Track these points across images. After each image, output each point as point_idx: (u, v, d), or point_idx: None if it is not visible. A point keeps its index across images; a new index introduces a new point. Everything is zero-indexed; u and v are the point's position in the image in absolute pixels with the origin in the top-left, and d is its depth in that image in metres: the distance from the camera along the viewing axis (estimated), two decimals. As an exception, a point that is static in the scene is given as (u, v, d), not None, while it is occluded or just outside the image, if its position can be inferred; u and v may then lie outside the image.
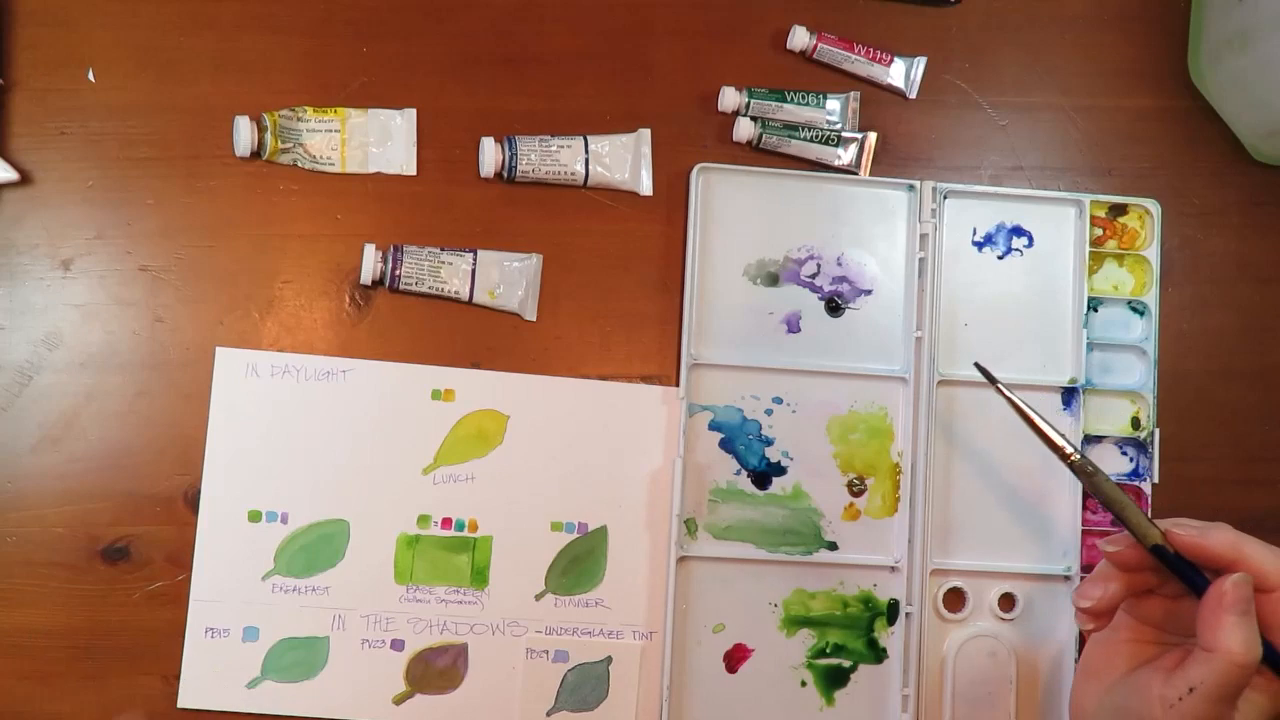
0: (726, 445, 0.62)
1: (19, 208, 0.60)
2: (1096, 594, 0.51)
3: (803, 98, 0.64)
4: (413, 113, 0.62)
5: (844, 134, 0.64)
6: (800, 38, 0.64)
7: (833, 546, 0.63)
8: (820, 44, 0.64)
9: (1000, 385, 0.55)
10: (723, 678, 0.61)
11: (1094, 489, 0.52)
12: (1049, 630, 0.63)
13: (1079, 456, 0.52)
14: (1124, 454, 0.65)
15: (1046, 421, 0.53)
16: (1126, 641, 0.52)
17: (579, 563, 0.61)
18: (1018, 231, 0.65)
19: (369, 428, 0.61)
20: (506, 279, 0.61)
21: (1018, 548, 0.63)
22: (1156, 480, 0.64)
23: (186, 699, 0.59)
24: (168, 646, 0.59)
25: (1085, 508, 0.63)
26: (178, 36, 0.62)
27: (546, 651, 0.61)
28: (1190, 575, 0.49)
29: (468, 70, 0.63)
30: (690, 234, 0.62)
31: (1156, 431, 0.64)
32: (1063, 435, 0.53)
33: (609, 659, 0.61)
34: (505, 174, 0.62)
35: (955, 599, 0.63)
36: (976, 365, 0.58)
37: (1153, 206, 0.65)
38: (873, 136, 0.64)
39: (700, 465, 0.62)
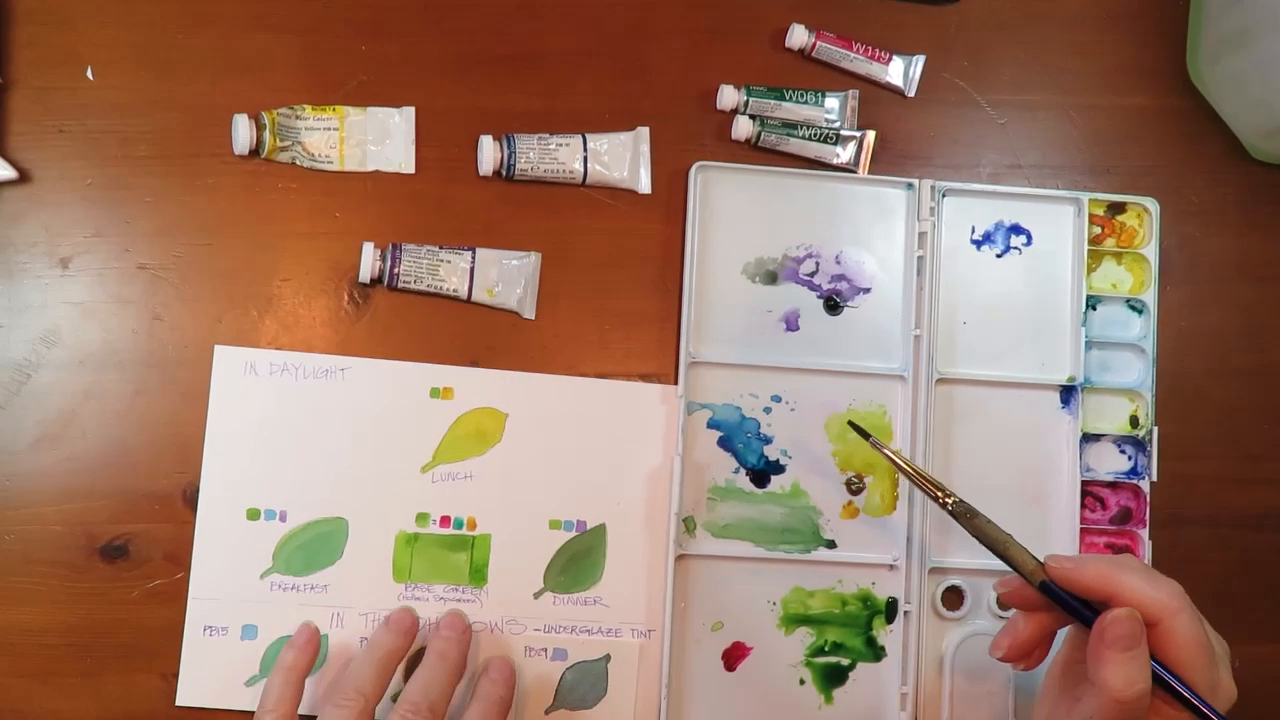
0: (725, 443, 0.62)
1: (17, 206, 0.60)
2: (1005, 643, 0.53)
3: (801, 96, 0.64)
4: (411, 111, 0.62)
5: (843, 132, 0.64)
6: (799, 36, 0.64)
7: (831, 545, 0.63)
8: (819, 42, 0.64)
9: (873, 440, 0.58)
10: (721, 676, 0.61)
11: (975, 531, 0.53)
12: (1048, 629, 0.63)
13: (956, 500, 0.53)
14: (1122, 452, 0.65)
15: (918, 471, 0.56)
16: (1062, 673, 0.52)
17: (577, 561, 0.61)
18: (1016, 230, 0.65)
19: (368, 426, 0.61)
20: (505, 277, 0.61)
21: (1016, 546, 0.63)
22: (1155, 479, 0.64)
23: (185, 697, 0.59)
24: (166, 644, 0.59)
25: (1084, 506, 0.64)
26: (176, 35, 0.62)
27: (545, 649, 0.61)
28: (1079, 610, 0.49)
29: (467, 69, 0.63)
30: (689, 232, 0.62)
31: (1155, 430, 0.64)
32: (935, 482, 0.54)
33: (607, 657, 0.61)
34: (504, 172, 0.62)
35: (954, 597, 0.63)
36: (851, 424, 0.60)
37: (1151, 205, 0.65)
38: (871, 135, 0.64)
39: (699, 463, 0.62)
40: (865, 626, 0.62)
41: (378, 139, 0.62)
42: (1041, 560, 0.51)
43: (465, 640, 0.58)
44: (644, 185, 0.63)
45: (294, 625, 0.59)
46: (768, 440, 0.63)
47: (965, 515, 0.53)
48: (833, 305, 0.64)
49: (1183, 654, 0.46)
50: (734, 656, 0.62)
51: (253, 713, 0.58)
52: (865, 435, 0.58)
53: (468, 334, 0.62)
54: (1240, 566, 0.66)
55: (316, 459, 0.60)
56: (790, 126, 0.63)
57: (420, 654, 0.60)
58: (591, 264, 0.63)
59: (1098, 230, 0.66)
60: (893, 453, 0.57)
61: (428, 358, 0.61)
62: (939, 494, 0.54)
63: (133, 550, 0.59)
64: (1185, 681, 0.46)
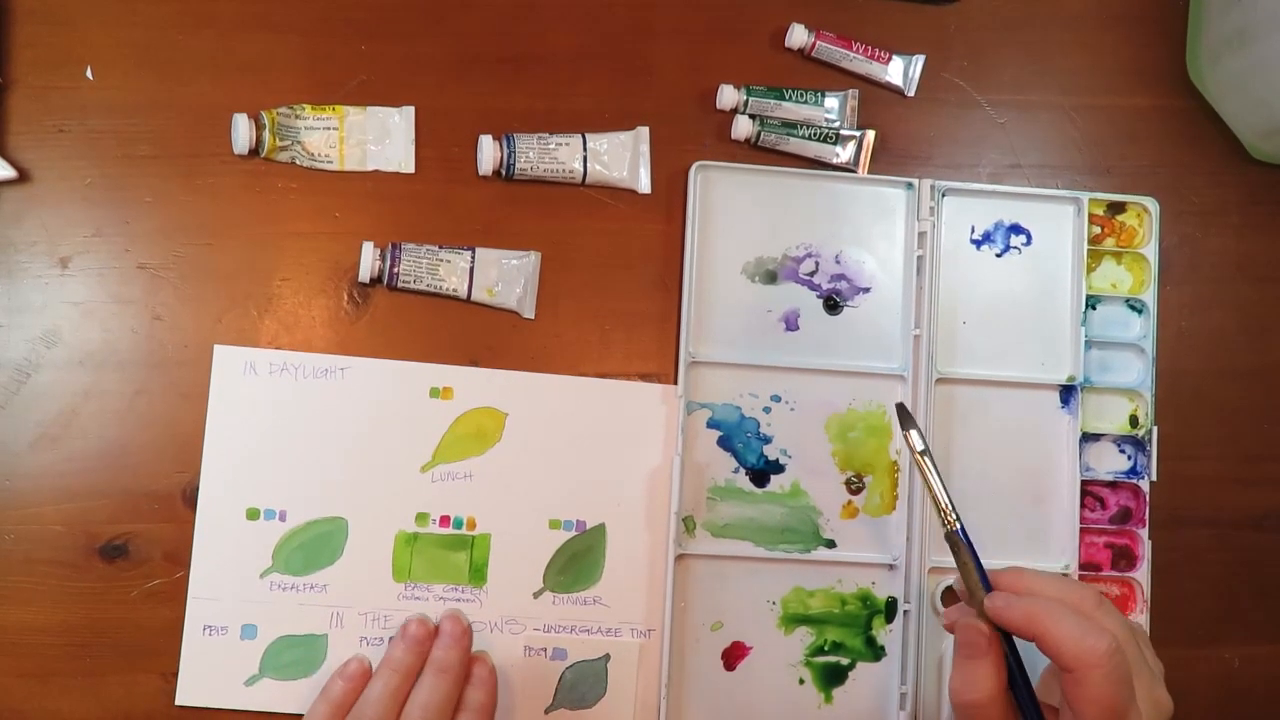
0: (725, 443, 0.62)
1: (17, 206, 0.60)
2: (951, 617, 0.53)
3: (801, 96, 0.64)
4: (411, 111, 0.62)
5: (842, 132, 0.64)
6: (799, 36, 0.64)
7: (831, 544, 0.63)
8: (819, 42, 0.64)
9: (909, 433, 0.55)
10: (721, 675, 0.61)
11: (957, 563, 0.53)
12: (1047, 628, 0.63)
13: (956, 528, 0.53)
14: (1122, 452, 0.65)
15: (937, 482, 0.54)
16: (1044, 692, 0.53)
17: (577, 560, 0.61)
18: (1016, 229, 0.65)
19: (367, 426, 0.61)
20: (505, 277, 0.61)
21: (1016, 546, 0.63)
22: (1155, 478, 0.64)
23: (185, 696, 0.59)
24: (166, 644, 0.59)
25: (1084, 506, 0.64)
26: (176, 35, 0.62)
27: (545, 649, 0.61)
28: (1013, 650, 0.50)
29: (466, 68, 0.63)
30: (689, 232, 0.62)
31: (1155, 429, 0.64)
32: (948, 502, 0.53)
33: (607, 657, 0.61)
34: (504, 172, 0.62)
35: (953, 597, 0.63)
36: (898, 407, 0.57)
37: (1151, 205, 0.65)
38: (871, 134, 0.64)
39: (699, 463, 0.62)
40: (865, 626, 0.62)
41: (377, 139, 0.62)
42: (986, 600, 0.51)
43: (465, 646, 0.58)
44: (644, 185, 0.63)
45: (294, 625, 0.59)
46: (767, 440, 0.63)
47: (954, 547, 0.53)
48: (832, 305, 0.64)
49: (1084, 708, 0.46)
50: (734, 656, 0.62)
51: (251, 712, 0.58)
52: (906, 425, 0.56)
53: (467, 334, 0.62)
54: (1240, 566, 0.66)
55: (316, 459, 0.60)
56: (790, 126, 0.63)
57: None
58: (591, 264, 0.63)
59: (1097, 230, 0.66)
60: (923, 455, 0.54)
61: (427, 357, 0.61)
62: (946, 514, 0.53)
63: (132, 550, 0.59)
64: None
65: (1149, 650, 0.51)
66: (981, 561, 0.52)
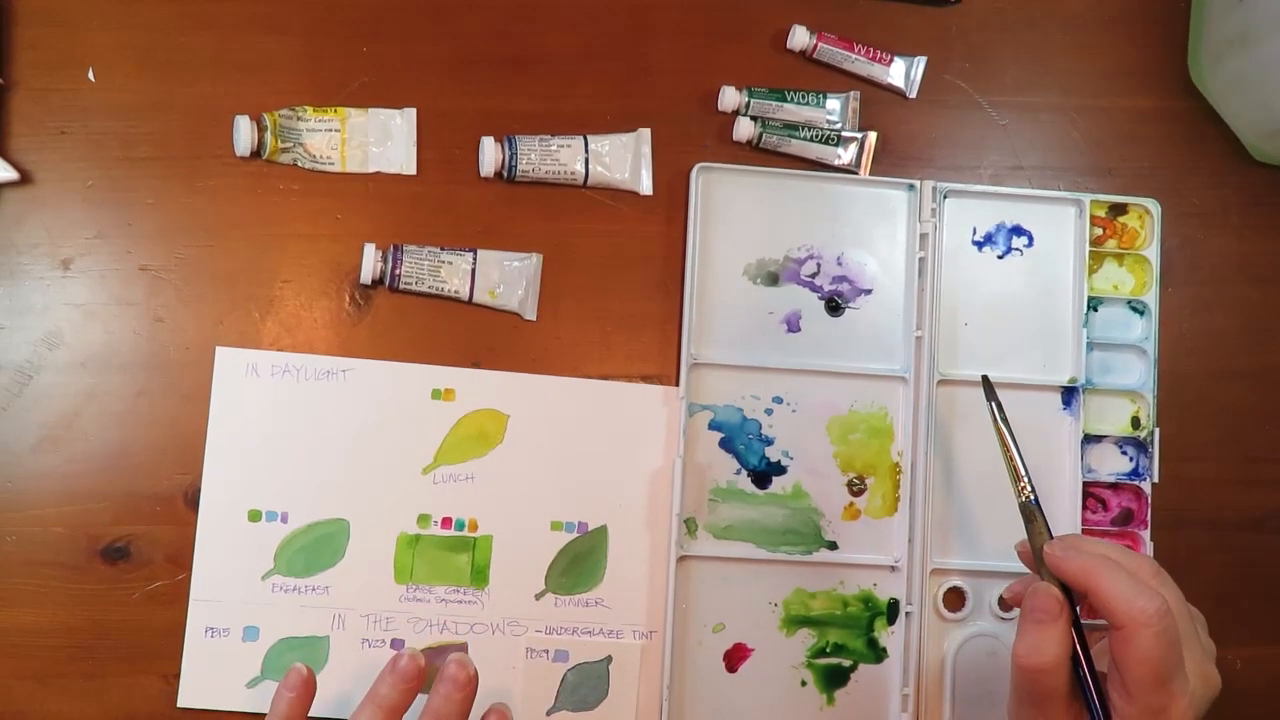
0: (726, 445, 0.62)
1: (19, 207, 0.60)
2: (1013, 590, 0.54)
3: (803, 97, 0.64)
4: (413, 112, 0.62)
5: (844, 133, 0.64)
6: (800, 37, 0.64)
7: (833, 546, 0.63)
8: (820, 44, 0.64)
9: (994, 405, 0.55)
10: (723, 677, 0.61)
11: (1029, 533, 0.52)
12: (1049, 630, 0.63)
13: (1029, 498, 0.52)
14: (1124, 453, 0.65)
15: (1016, 454, 0.54)
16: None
17: (579, 562, 0.61)
18: (1018, 231, 0.65)
19: (369, 427, 0.61)
20: (506, 278, 0.61)
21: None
22: (1157, 480, 0.64)
23: (186, 698, 0.59)
24: (167, 646, 0.59)
25: (1086, 507, 0.64)
26: (178, 36, 0.62)
27: (546, 651, 0.61)
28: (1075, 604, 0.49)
29: (468, 70, 0.63)
30: (690, 233, 0.62)
31: (1157, 431, 0.64)
32: (1024, 471, 0.53)
33: (609, 659, 0.61)
34: (505, 173, 0.62)
35: (955, 598, 0.63)
36: (984, 379, 0.57)
37: (1153, 206, 0.65)
38: (873, 136, 0.64)
39: (700, 465, 0.62)
40: (867, 628, 0.62)
41: (379, 140, 0.62)
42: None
43: (468, 694, 0.53)
44: (645, 186, 0.63)
45: (296, 627, 0.59)
46: (769, 441, 0.63)
47: (1027, 516, 0.53)
48: (834, 306, 0.64)
49: (1130, 667, 0.46)
50: (735, 658, 0.62)
51: (253, 714, 0.58)
52: (990, 395, 0.56)
53: (469, 335, 0.62)
54: (1241, 568, 0.66)
55: (318, 460, 0.60)
56: (791, 128, 0.63)
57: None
58: (593, 265, 0.63)
59: (1099, 231, 0.66)
60: (1005, 426, 0.54)
61: (429, 359, 0.61)
62: (1021, 484, 0.53)
63: (134, 552, 0.59)
64: (1127, 692, 0.46)
65: (1204, 631, 0.51)
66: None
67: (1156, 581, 0.49)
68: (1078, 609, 0.49)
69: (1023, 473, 0.53)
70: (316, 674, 0.58)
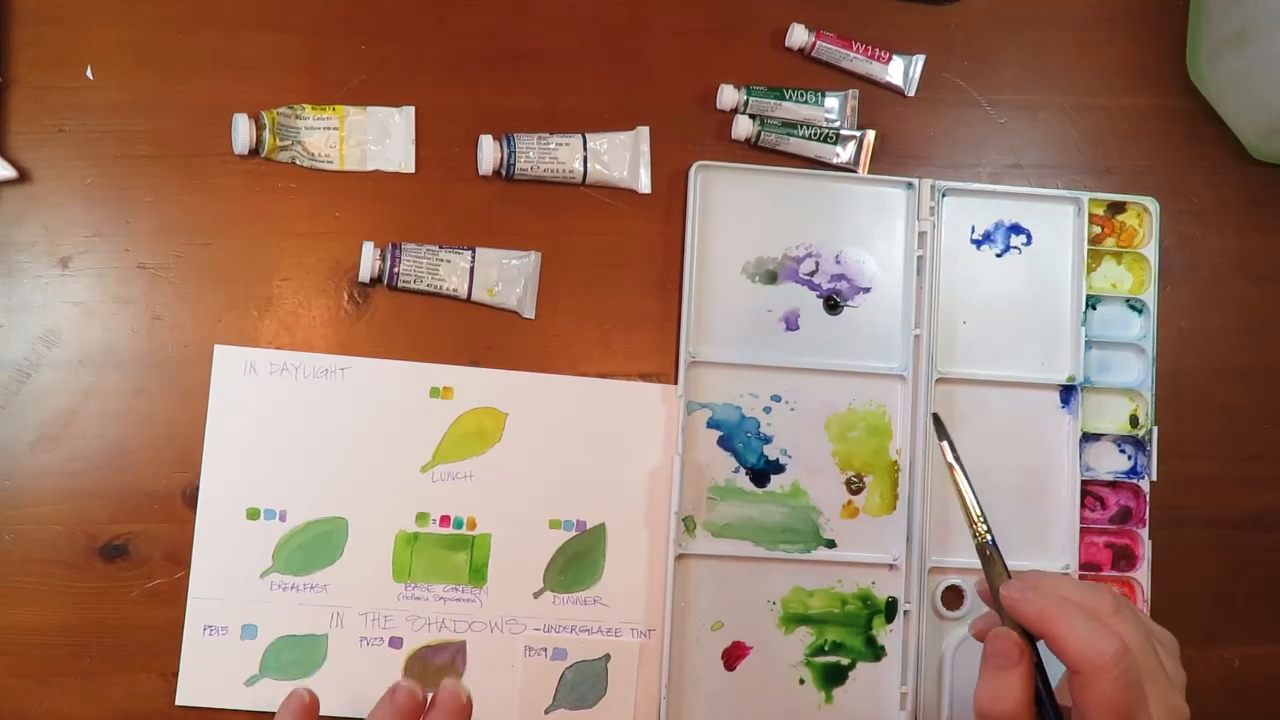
0: (725, 443, 0.62)
1: (17, 205, 0.60)
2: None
3: (801, 95, 0.64)
4: (411, 110, 0.62)
5: (843, 132, 0.64)
6: (799, 35, 0.64)
7: (831, 544, 0.63)
8: (819, 42, 0.64)
9: (944, 444, 0.53)
10: (721, 675, 0.61)
11: (986, 573, 0.51)
12: (1047, 628, 0.63)
13: (988, 539, 0.51)
14: (1122, 452, 0.65)
15: (969, 492, 0.51)
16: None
17: (577, 560, 0.61)
18: (1016, 229, 0.65)
19: (367, 426, 0.61)
20: (505, 277, 0.61)
21: (1016, 546, 0.63)
22: (1155, 478, 0.64)
23: (185, 697, 0.59)
24: (166, 644, 0.59)
25: (1084, 505, 0.64)
26: (176, 34, 0.62)
27: (545, 649, 0.61)
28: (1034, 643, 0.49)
29: (466, 68, 0.63)
30: (689, 232, 0.62)
31: (1155, 429, 0.64)
32: (979, 513, 0.51)
33: (607, 657, 0.61)
34: (504, 172, 0.62)
35: (954, 597, 0.63)
36: (934, 416, 0.55)
37: (1151, 204, 0.65)
38: (871, 134, 0.64)
39: (699, 463, 0.62)
40: (865, 626, 0.62)
41: (378, 138, 0.62)
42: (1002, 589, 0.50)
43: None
44: (644, 185, 0.63)
45: (294, 625, 0.59)
46: (768, 440, 0.63)
47: (984, 558, 0.51)
48: (833, 305, 0.64)
49: (1091, 712, 0.46)
50: (734, 656, 0.62)
51: (251, 712, 0.58)
52: (941, 434, 0.53)
53: (468, 333, 0.62)
54: (1240, 566, 0.66)
55: (316, 459, 0.60)
56: (790, 126, 0.63)
57: (419, 652, 0.60)
58: (591, 264, 0.63)
59: (1098, 230, 0.66)
60: (957, 464, 0.52)
61: (428, 357, 0.61)
62: (977, 526, 0.51)
63: (133, 550, 0.59)
64: None
65: (1171, 659, 0.50)
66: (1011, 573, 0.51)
67: (1116, 619, 0.48)
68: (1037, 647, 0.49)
69: (978, 514, 0.51)
70: (315, 673, 0.59)
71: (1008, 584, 0.50)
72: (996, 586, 0.50)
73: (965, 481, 0.52)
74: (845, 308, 0.64)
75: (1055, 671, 0.48)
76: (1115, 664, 0.45)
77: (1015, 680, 0.47)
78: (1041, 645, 0.49)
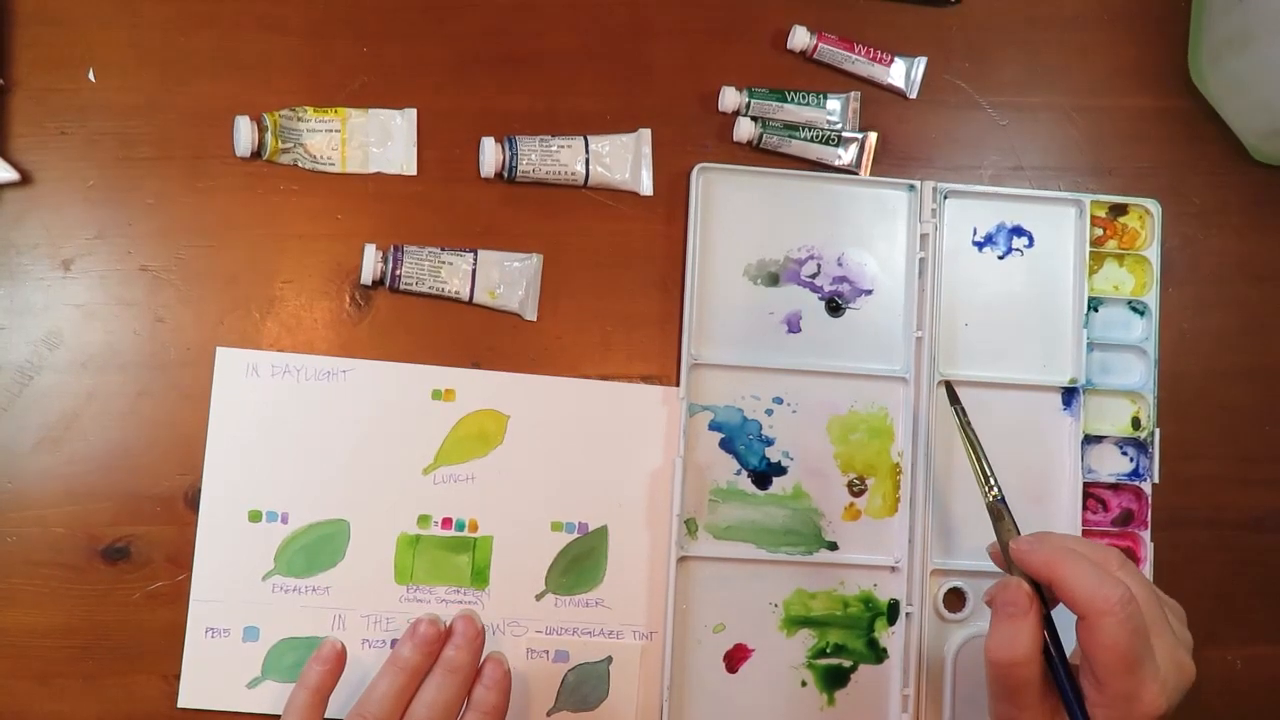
0: (727, 445, 0.62)
1: (19, 207, 0.60)
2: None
3: (803, 98, 0.64)
4: (413, 113, 0.62)
5: (844, 134, 0.64)
6: (800, 38, 0.64)
7: (833, 546, 0.63)
8: (820, 44, 0.64)
9: (959, 409, 0.58)
10: (723, 678, 0.61)
11: (996, 531, 0.53)
12: (1049, 630, 0.63)
13: (997, 497, 0.54)
14: (1124, 454, 0.65)
15: (980, 454, 0.56)
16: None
17: (579, 563, 0.61)
18: (1018, 231, 0.65)
19: (369, 428, 0.61)
20: (507, 279, 0.61)
21: (1018, 548, 0.63)
22: (1157, 480, 0.64)
23: (187, 699, 0.59)
24: (168, 646, 0.59)
25: (1086, 508, 0.64)
26: (178, 36, 0.62)
27: (547, 651, 0.61)
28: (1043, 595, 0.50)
29: (468, 70, 0.63)
30: (690, 234, 0.62)
31: (1157, 431, 0.64)
32: (989, 472, 0.55)
33: (609, 659, 0.61)
34: (506, 174, 0.62)
35: (956, 599, 0.63)
36: (947, 385, 0.59)
37: (1153, 206, 0.65)
38: (873, 136, 0.64)
39: (700, 465, 0.62)
40: (867, 628, 0.62)
41: (379, 140, 0.62)
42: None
43: (477, 647, 0.57)
44: (646, 187, 0.63)
45: (296, 627, 0.59)
46: (769, 442, 0.63)
47: (995, 515, 0.53)
48: (834, 307, 0.64)
49: (1097, 654, 0.46)
50: (736, 658, 0.62)
51: (253, 714, 0.58)
52: (953, 400, 0.59)
53: (469, 335, 0.62)
54: (1241, 568, 0.66)
55: (318, 461, 0.60)
56: (792, 128, 0.63)
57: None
58: (593, 266, 0.63)
59: (1099, 232, 0.66)
60: (969, 429, 0.57)
61: (429, 359, 0.61)
62: (987, 484, 0.54)
63: (134, 552, 0.59)
64: (1097, 680, 0.47)
65: (1177, 620, 0.51)
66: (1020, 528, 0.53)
67: (1123, 572, 0.49)
68: (1048, 601, 0.50)
69: (989, 472, 0.54)
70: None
71: (1017, 539, 0.51)
72: (1006, 542, 0.51)
73: (977, 443, 0.56)
74: (847, 310, 0.64)
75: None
76: (1121, 607, 0.46)
77: (1025, 627, 0.48)
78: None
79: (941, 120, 0.66)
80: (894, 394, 0.63)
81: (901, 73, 0.65)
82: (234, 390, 0.60)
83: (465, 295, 0.61)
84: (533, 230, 0.62)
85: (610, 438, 0.62)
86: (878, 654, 0.62)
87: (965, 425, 0.57)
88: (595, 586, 0.61)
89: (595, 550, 0.61)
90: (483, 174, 0.62)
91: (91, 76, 0.61)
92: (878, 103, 0.65)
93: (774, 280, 0.64)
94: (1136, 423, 0.65)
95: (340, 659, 0.57)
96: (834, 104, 0.64)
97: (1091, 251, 0.65)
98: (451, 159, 0.62)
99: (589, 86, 0.64)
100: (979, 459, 0.55)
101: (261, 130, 0.60)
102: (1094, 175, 0.66)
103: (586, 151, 0.62)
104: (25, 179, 0.60)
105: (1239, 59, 0.63)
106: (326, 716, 0.56)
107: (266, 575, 0.60)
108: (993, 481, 0.54)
